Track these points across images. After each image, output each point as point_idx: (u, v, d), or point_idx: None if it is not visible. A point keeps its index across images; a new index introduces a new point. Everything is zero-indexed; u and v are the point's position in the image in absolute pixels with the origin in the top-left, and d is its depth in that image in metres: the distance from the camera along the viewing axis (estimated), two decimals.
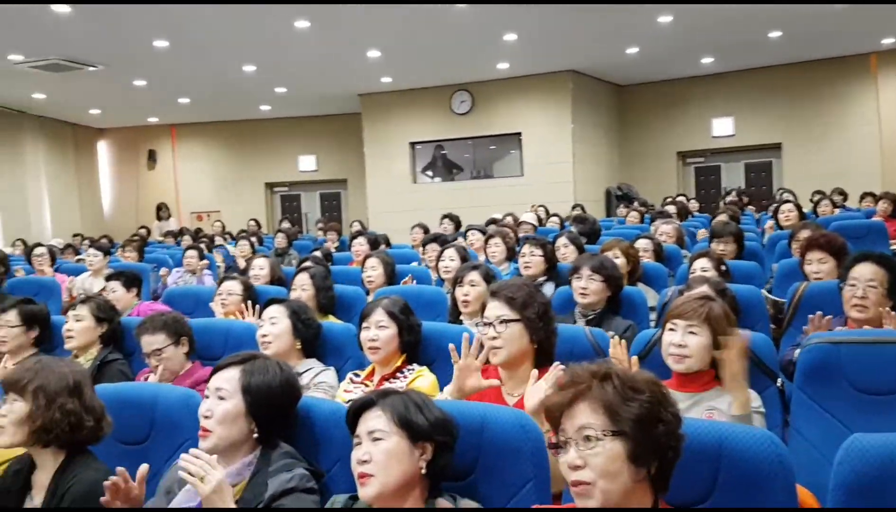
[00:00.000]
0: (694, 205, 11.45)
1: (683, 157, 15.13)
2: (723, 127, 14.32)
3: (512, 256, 5.59)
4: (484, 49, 11.39)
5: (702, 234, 7.52)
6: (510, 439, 1.78)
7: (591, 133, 13.91)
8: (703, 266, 3.96)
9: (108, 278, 4.84)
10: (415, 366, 2.79)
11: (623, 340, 2.56)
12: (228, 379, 1.96)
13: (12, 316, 3.68)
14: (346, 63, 11.73)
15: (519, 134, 13.81)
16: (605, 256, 3.88)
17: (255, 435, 1.93)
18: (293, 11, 8.83)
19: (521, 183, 13.69)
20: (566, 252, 5.06)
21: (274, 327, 3.00)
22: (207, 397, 1.95)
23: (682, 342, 2.29)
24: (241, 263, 7.70)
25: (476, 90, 13.82)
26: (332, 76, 12.66)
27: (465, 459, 1.79)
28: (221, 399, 1.92)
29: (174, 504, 1.88)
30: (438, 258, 4.94)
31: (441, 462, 1.71)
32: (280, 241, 9.27)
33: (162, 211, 15.61)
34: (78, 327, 3.40)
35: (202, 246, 8.27)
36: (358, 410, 1.74)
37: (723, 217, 7.28)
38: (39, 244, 7.64)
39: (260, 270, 5.20)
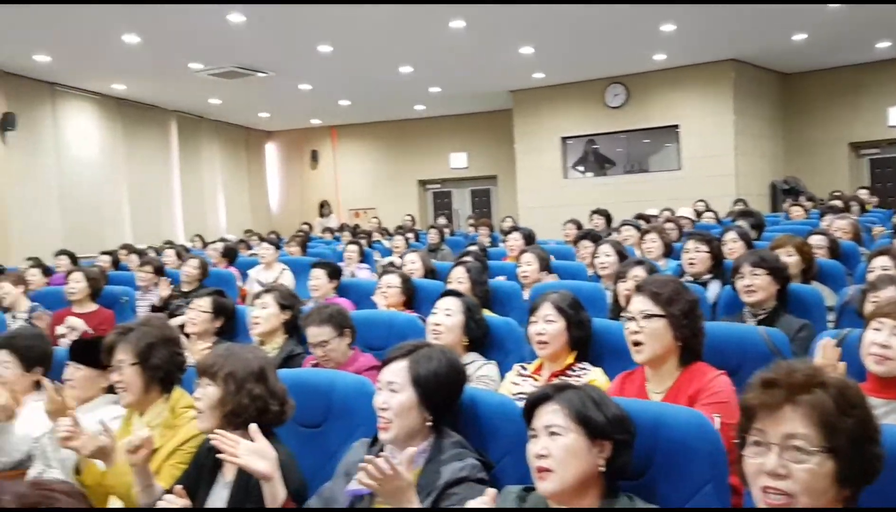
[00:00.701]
0: (864, 195, 10.57)
1: (856, 149, 14.06)
2: None
3: (669, 252, 5.42)
4: (640, 40, 11.10)
5: (878, 231, 6.97)
6: (686, 439, 1.73)
7: (754, 124, 13.24)
8: (883, 264, 3.67)
9: (314, 266, 5.09)
10: (587, 366, 2.74)
11: (838, 345, 2.39)
12: (397, 371, 2.01)
13: (205, 303, 3.99)
14: (499, 61, 11.80)
15: (676, 126, 13.35)
16: (764, 250, 3.69)
17: (429, 423, 1.97)
18: (449, 12, 8.99)
19: (678, 177, 13.24)
20: (734, 248, 4.81)
21: (448, 319, 3.05)
22: (381, 390, 2.02)
23: (887, 343, 2.14)
24: (397, 259, 7.97)
25: (630, 82, 13.49)
26: (485, 74, 12.77)
27: (639, 459, 1.75)
28: (394, 392, 1.98)
29: (350, 486, 1.95)
30: (594, 254, 4.87)
31: (619, 461, 1.68)
32: (433, 236, 9.44)
33: (324, 208, 16.33)
34: (264, 314, 3.61)
35: (362, 241, 8.58)
36: (534, 403, 1.73)
37: None
38: (224, 239, 8.16)
39: (412, 264, 5.38)
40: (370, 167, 17.80)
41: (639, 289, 2.37)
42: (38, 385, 3.08)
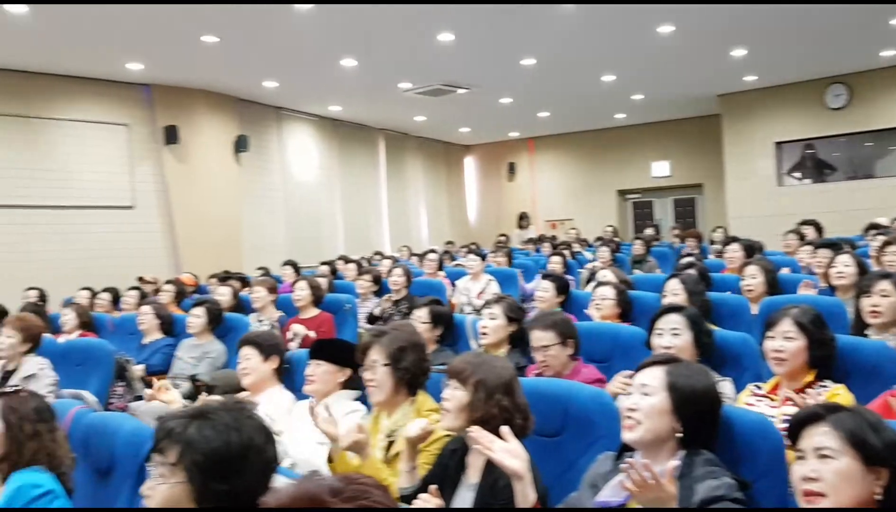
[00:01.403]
0: None
1: None
2: None
3: None
4: (865, 37, 10.22)
5: None
6: None
7: None
8: None
9: (545, 277, 5.23)
10: (828, 383, 2.58)
11: None
12: (653, 376, 1.99)
13: (423, 313, 4.20)
14: (708, 64, 11.35)
15: None
16: None
17: (678, 435, 1.94)
18: (658, 18, 8.80)
19: None
20: None
21: (677, 339, 2.97)
22: (631, 393, 2.02)
23: None
24: (601, 273, 7.88)
25: (854, 82, 12.44)
26: (691, 79, 12.34)
27: None
28: (646, 395, 1.97)
29: (599, 497, 1.97)
30: (829, 265, 4.55)
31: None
32: (638, 248, 9.22)
33: (523, 220, 16.45)
34: (492, 325, 3.72)
35: (565, 253, 8.58)
36: (802, 422, 1.66)
37: None
38: (433, 250, 8.50)
39: (604, 277, 5.32)
40: (567, 178, 17.74)
41: None
42: (278, 376, 3.43)
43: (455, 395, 2.19)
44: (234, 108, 11.84)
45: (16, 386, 2.40)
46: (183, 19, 7.97)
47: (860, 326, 3.34)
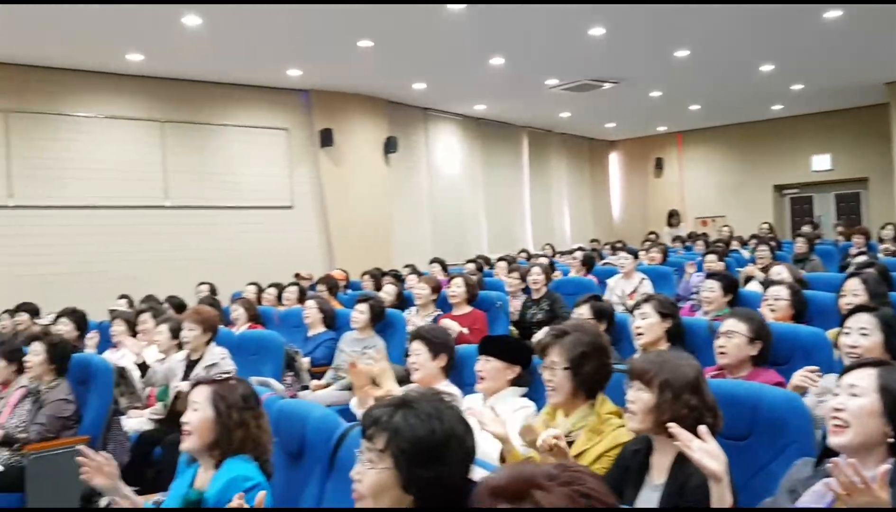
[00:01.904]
0: None
1: None
2: None
3: None
4: None
5: None
6: None
7: None
8: None
9: (709, 276, 5.11)
10: None
11: None
12: (862, 377, 1.90)
13: (585, 310, 4.20)
14: (877, 51, 10.56)
15: None
16: None
17: (890, 440, 1.85)
18: (824, 2, 8.31)
19: None
20: None
21: (865, 339, 2.82)
22: (838, 394, 1.93)
23: None
24: (758, 273, 7.52)
25: None
26: (857, 67, 11.54)
27: None
28: (855, 396, 1.88)
29: (800, 504, 1.90)
30: None
31: None
32: (800, 246, 8.74)
33: (673, 218, 15.94)
34: (645, 324, 3.67)
35: (720, 251, 8.27)
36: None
37: None
38: (580, 248, 8.45)
39: (777, 275, 5.06)
40: (719, 173, 17.07)
41: None
42: (445, 373, 3.51)
43: (640, 397, 2.16)
44: (384, 111, 12.22)
45: (225, 373, 2.57)
46: (340, 25, 8.31)
47: None
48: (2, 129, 8.74)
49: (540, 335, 5.94)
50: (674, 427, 1.89)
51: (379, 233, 11.96)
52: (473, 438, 1.77)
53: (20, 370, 4.39)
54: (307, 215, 11.44)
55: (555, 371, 2.58)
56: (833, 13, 8.69)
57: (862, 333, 2.86)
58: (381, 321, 5.50)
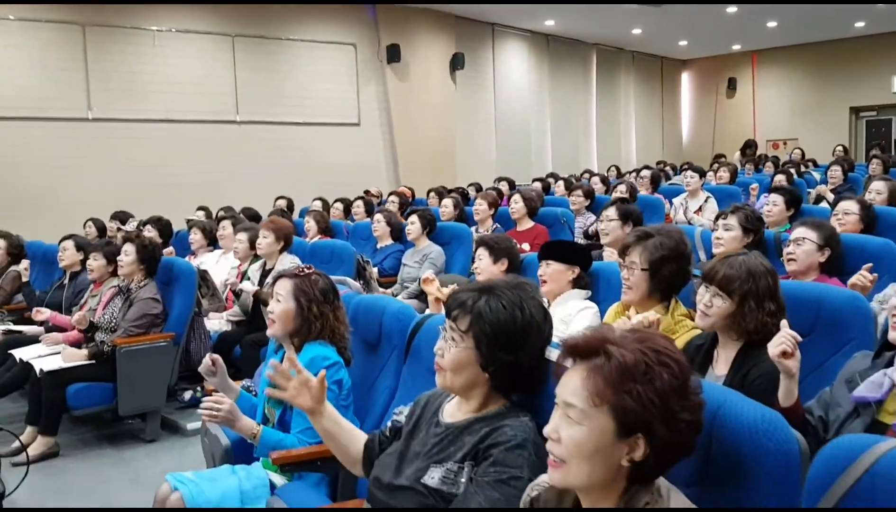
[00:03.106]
0: None
1: None
2: None
3: None
4: None
5: None
6: None
7: None
8: None
9: (772, 191, 5.08)
10: None
11: None
12: None
13: (612, 211, 4.29)
14: None
15: None
16: None
17: None
18: None
19: None
20: None
21: None
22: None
23: None
24: (829, 194, 7.39)
25: None
26: None
27: None
28: None
29: (857, 392, 1.98)
30: None
31: None
32: (874, 167, 8.55)
33: (748, 149, 15.47)
34: (727, 236, 3.66)
35: (792, 171, 8.13)
36: None
37: None
38: (647, 167, 8.38)
39: (877, 194, 4.99)
40: (793, 95, 16.48)
41: None
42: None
43: (716, 302, 2.22)
44: (451, 26, 12.11)
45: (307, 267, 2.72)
46: None
47: None
48: (79, 42, 8.99)
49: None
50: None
51: (444, 150, 12.03)
52: (551, 326, 1.88)
53: (114, 272, 4.68)
54: (374, 132, 11.56)
55: (633, 271, 2.61)
56: None
57: None
58: (433, 231, 5.72)
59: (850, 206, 4.21)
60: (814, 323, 2.39)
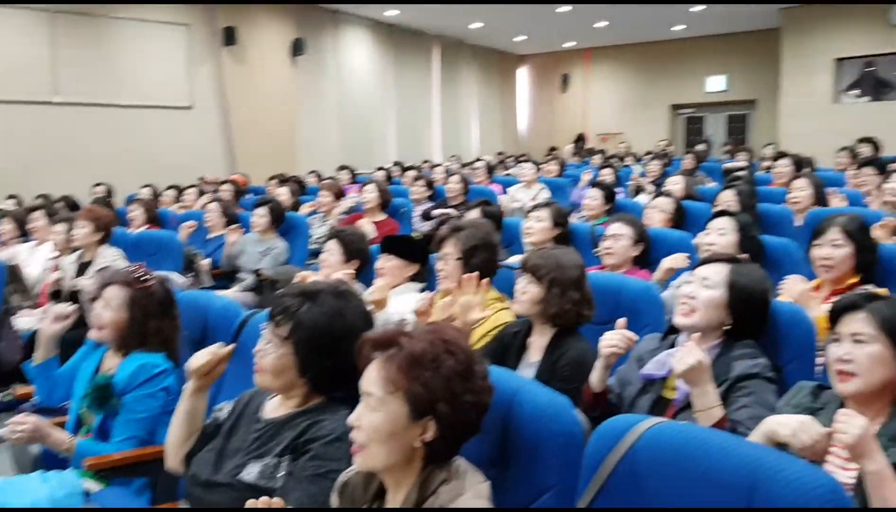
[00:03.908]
0: None
1: None
2: None
3: None
4: None
5: None
6: None
7: None
8: None
9: (594, 185, 5.41)
10: (870, 287, 2.72)
11: None
12: (717, 271, 2.17)
13: (476, 213, 4.41)
14: None
15: None
16: None
17: (726, 327, 2.13)
18: None
19: None
20: None
21: (722, 238, 3.18)
22: (691, 283, 2.20)
23: None
24: (649, 185, 7.94)
25: None
26: None
27: None
28: (707, 287, 2.15)
29: (644, 370, 2.20)
30: (883, 182, 4.63)
31: None
32: (688, 162, 9.23)
33: (579, 141, 16.26)
34: (537, 227, 3.94)
35: (616, 165, 8.65)
36: (842, 309, 1.78)
37: None
38: (479, 159, 8.65)
39: (674, 185, 5.42)
40: (621, 91, 17.51)
41: None
42: (354, 277, 3.63)
43: (529, 288, 2.42)
44: (292, 11, 11.90)
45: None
46: None
47: None
48: None
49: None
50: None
51: (283, 137, 11.82)
52: (373, 329, 1.95)
53: None
54: (208, 117, 11.12)
55: (448, 261, 2.82)
56: None
57: (720, 233, 3.20)
58: (281, 224, 5.56)
59: (664, 203, 4.60)
60: (614, 311, 2.60)
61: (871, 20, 12.54)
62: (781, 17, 13.49)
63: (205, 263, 5.48)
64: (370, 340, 1.46)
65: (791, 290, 2.62)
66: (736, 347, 2.09)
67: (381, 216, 5.99)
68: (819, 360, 2.15)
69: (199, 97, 10.99)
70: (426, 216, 6.51)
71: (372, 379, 1.43)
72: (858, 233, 2.79)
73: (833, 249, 2.78)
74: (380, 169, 9.96)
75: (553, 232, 3.96)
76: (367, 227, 5.54)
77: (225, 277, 5.56)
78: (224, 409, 2.03)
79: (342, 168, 9.61)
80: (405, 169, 9.65)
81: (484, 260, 2.81)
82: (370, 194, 5.96)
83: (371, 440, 1.40)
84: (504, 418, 1.53)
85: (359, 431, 1.42)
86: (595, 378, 2.14)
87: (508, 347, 2.53)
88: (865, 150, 7.67)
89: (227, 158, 11.28)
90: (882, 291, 2.66)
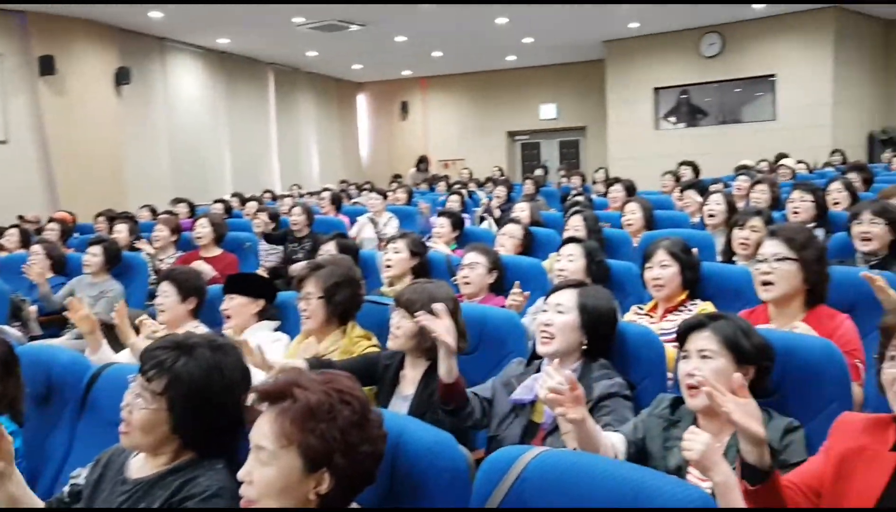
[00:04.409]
0: None
1: None
2: None
3: (776, 204, 5.54)
4: None
5: None
6: (817, 364, 1.98)
7: (854, 73, 12.85)
8: None
9: (440, 214, 5.45)
10: (698, 301, 2.99)
11: None
12: (567, 296, 2.31)
13: (331, 247, 4.40)
14: (596, 11, 11.76)
15: (772, 76, 13.11)
16: (887, 201, 3.80)
17: (584, 347, 2.27)
18: None
19: (772, 127, 13.06)
20: (839, 198, 4.94)
21: (571, 264, 3.35)
22: (546, 311, 2.32)
23: None
24: (496, 211, 8.21)
25: (727, 32, 13.26)
26: (580, 25, 12.76)
27: (772, 379, 2.00)
28: (560, 313, 2.28)
29: (514, 395, 2.28)
30: (703, 203, 5.04)
31: (760, 384, 1.91)
32: (528, 187, 9.62)
33: (422, 163, 16.48)
34: (396, 259, 3.97)
35: (463, 192, 8.86)
36: (689, 329, 1.96)
37: None
38: (326, 188, 8.58)
39: (521, 212, 5.63)
40: (460, 118, 18.00)
41: (773, 234, 2.57)
42: (194, 314, 3.49)
43: (403, 324, 2.46)
44: (115, 39, 11.33)
45: None
46: None
47: (729, 255, 3.79)
48: None
49: (297, 267, 6.08)
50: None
51: (110, 170, 11.16)
52: (249, 385, 1.87)
53: None
54: (25, 151, 10.31)
55: (310, 300, 2.77)
56: None
57: (569, 259, 3.38)
58: (117, 265, 5.19)
59: (515, 230, 4.76)
60: (479, 340, 2.70)
61: (685, 52, 13.72)
62: (605, 49, 14.46)
63: (32, 309, 5.07)
64: (263, 391, 1.42)
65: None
66: (594, 368, 2.23)
67: (217, 251, 5.75)
68: (669, 376, 2.33)
69: (14, 131, 10.18)
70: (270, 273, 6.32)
71: (264, 433, 1.38)
72: (682, 253, 3.05)
73: (661, 270, 3.01)
74: (218, 201, 9.64)
75: (412, 262, 4.00)
76: (202, 266, 5.31)
77: (55, 323, 5.16)
78: (81, 474, 1.89)
79: (178, 201, 9.20)
80: (244, 200, 9.37)
81: (348, 296, 2.81)
82: (203, 229, 5.73)
83: (263, 495, 1.36)
84: (391, 459, 1.54)
85: (249, 486, 1.37)
86: (442, 370, 2.20)
87: (380, 378, 2.55)
88: (687, 173, 8.33)
89: (47, 195, 10.50)
90: (707, 303, 2.94)
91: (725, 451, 1.80)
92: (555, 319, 2.27)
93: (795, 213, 4.52)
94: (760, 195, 5.40)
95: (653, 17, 12.51)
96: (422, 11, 11.11)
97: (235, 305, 3.21)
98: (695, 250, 3.20)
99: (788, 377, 2.02)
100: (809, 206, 4.50)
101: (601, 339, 2.30)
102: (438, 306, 2.23)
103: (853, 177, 5.92)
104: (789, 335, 2.09)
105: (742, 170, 8.22)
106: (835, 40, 12.36)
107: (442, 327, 2.18)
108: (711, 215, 4.82)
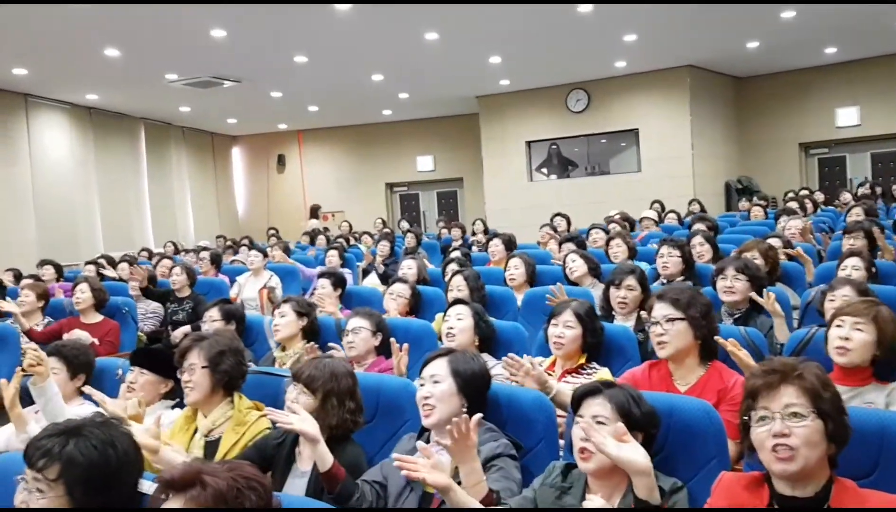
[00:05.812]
0: (819, 197, 11.27)
1: (806, 149, 14.80)
2: (847, 117, 13.90)
3: (634, 255, 5.89)
4: (603, 49, 11.60)
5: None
6: (696, 424, 2.13)
7: (709, 127, 13.85)
8: (854, 265, 4.09)
9: (321, 275, 5.38)
10: (595, 365, 3.13)
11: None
12: (439, 366, 2.39)
13: (215, 312, 4.29)
14: (468, 69, 12.20)
15: (635, 130, 13.91)
16: (747, 258, 4.12)
17: (465, 411, 2.31)
18: (424, 25, 9.36)
19: (637, 178, 13.81)
20: (701, 251, 5.28)
21: (459, 323, 3.43)
22: (423, 384, 2.38)
23: (848, 336, 2.55)
24: (380, 266, 8.22)
25: (592, 88, 14.00)
26: (454, 81, 13.18)
27: (658, 439, 2.13)
28: (436, 383, 2.35)
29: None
30: (565, 257, 5.27)
31: (648, 448, 1.99)
32: (410, 240, 9.71)
33: (317, 212, 16.34)
34: (283, 322, 3.94)
35: (341, 246, 8.83)
36: (584, 395, 2.08)
37: (857, 211, 7.16)
38: (204, 248, 8.34)
39: (409, 269, 5.68)
40: (337, 170, 18.02)
41: (660, 297, 2.75)
42: (80, 392, 3.35)
43: (302, 399, 2.46)
44: None
45: None
46: None
47: (608, 311, 3.96)
48: None
49: (178, 334, 5.86)
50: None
51: None
52: (142, 458, 1.85)
53: None
54: None
55: (194, 371, 2.72)
56: (431, 35, 9.87)
57: (458, 318, 3.46)
58: None
59: (403, 289, 4.79)
60: (376, 410, 2.72)
61: (554, 107, 14.37)
62: (479, 103, 14.95)
63: None
64: (168, 480, 1.42)
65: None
66: (481, 431, 2.28)
67: (97, 317, 5.50)
68: (561, 441, 2.43)
69: None
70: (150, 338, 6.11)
71: None
72: (587, 317, 3.17)
73: (565, 330, 3.14)
74: (91, 262, 9.17)
75: (300, 323, 3.98)
76: (81, 334, 5.09)
77: None
78: None
79: (44, 263, 8.66)
80: (115, 263, 8.88)
81: (233, 365, 2.78)
82: (83, 294, 5.47)
83: None
84: None
85: None
86: (317, 456, 2.20)
87: (276, 457, 2.51)
88: (562, 224, 8.66)
89: None
90: (604, 370, 3.08)
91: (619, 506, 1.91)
92: (432, 390, 2.35)
93: (665, 267, 4.79)
94: (618, 249, 5.76)
95: (523, 75, 13.09)
96: (297, 68, 11.16)
97: (144, 382, 3.12)
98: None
99: (673, 436, 2.17)
100: (677, 261, 4.77)
101: (480, 398, 2.40)
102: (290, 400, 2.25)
103: (700, 227, 6.37)
104: (673, 398, 2.25)
105: (610, 221, 8.60)
106: (690, 97, 13.30)
107: (297, 421, 2.20)
108: (572, 271, 5.06)
